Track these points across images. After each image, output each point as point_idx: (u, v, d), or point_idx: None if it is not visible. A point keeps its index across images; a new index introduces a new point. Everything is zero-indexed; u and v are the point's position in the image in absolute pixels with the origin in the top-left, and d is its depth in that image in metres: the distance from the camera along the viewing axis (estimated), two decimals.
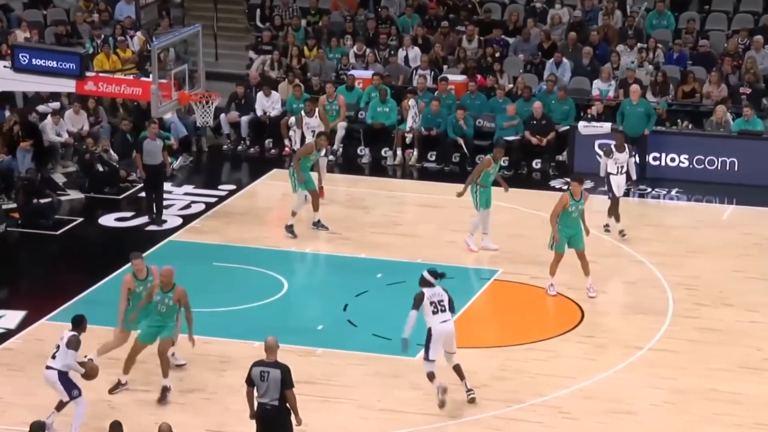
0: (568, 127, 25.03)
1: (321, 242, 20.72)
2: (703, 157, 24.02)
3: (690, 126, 25.07)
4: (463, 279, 19.50)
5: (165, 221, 21.69)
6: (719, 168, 24.04)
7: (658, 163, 24.39)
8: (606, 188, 21.17)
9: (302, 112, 23.14)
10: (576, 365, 16.62)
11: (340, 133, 25.55)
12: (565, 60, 26.70)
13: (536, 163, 24.90)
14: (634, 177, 21.50)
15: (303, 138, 22.85)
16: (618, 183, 20.97)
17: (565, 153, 24.99)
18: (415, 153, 25.11)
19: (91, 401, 15.44)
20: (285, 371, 13.57)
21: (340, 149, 25.55)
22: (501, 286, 19.14)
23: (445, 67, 27.19)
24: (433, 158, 25.00)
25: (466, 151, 24.87)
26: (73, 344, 14.80)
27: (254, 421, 13.74)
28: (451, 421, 15.25)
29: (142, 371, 16.35)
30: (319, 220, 21.08)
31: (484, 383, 16.14)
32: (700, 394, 15.84)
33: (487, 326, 18.08)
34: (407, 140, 25.28)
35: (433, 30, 28.20)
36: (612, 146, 21.27)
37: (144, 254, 18.30)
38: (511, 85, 26.23)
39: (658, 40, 27.08)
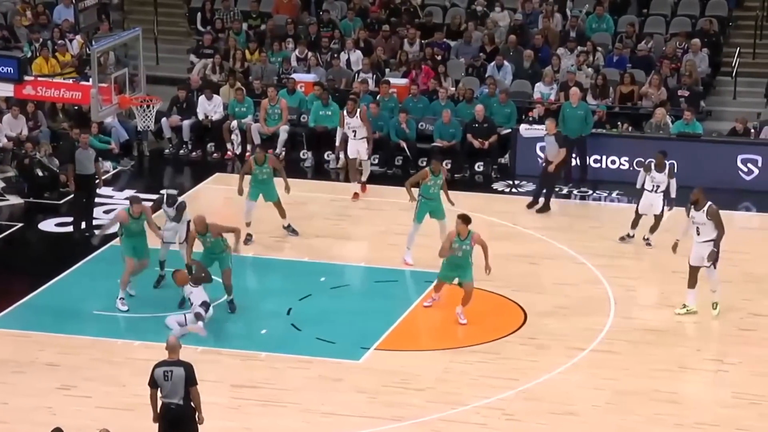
0: (509, 130, 25.15)
1: (263, 246, 20.66)
2: (643, 159, 24.19)
3: (630, 128, 25.27)
4: (406, 282, 19.52)
5: (92, 233, 21.22)
6: None
7: (599, 165, 24.56)
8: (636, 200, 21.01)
9: (344, 111, 23.21)
10: (519, 367, 16.69)
11: (283, 136, 25.50)
12: (506, 63, 26.83)
13: (478, 166, 24.99)
14: (672, 195, 20.82)
15: (345, 138, 23.27)
16: (651, 201, 20.70)
17: (507, 156, 25.10)
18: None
19: (31, 408, 15.32)
20: (188, 368, 13.54)
21: (283, 153, 25.50)
22: (444, 289, 19.15)
23: (387, 70, 27.23)
24: (376, 161, 25.02)
25: (408, 154, 24.92)
26: None
27: (158, 424, 13.63)
28: (394, 424, 15.25)
29: (82, 378, 16.25)
30: (289, 225, 21.00)
31: (428, 386, 16.16)
32: (642, 395, 15.96)
33: (430, 329, 18.11)
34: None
35: (375, 33, 28.23)
36: (652, 164, 20.79)
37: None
38: (453, 89, 26.32)
39: (598, 43, 27.29)
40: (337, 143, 24.14)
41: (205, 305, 17.38)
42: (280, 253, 20.41)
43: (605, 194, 23.56)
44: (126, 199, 21.82)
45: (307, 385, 16.21)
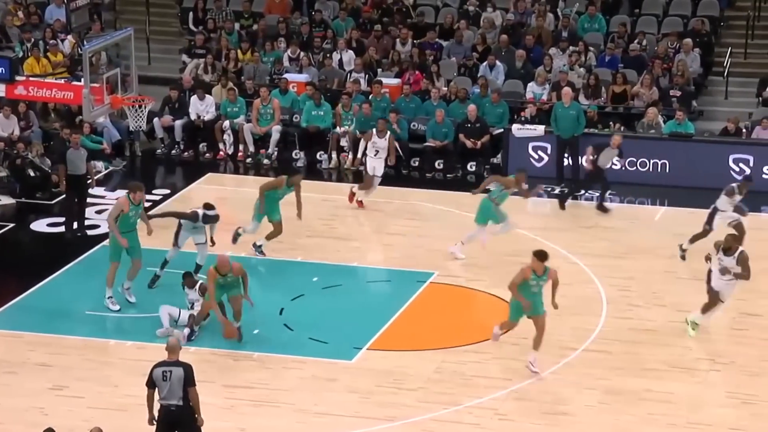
0: (502, 129, 25.15)
1: (246, 246, 20.61)
2: (635, 159, 24.24)
3: (622, 128, 25.28)
4: (399, 282, 19.52)
5: (84, 233, 21.24)
6: (651, 170, 24.28)
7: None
8: (707, 220, 20.01)
9: (373, 131, 22.69)
10: (511, 367, 16.68)
11: (275, 136, 25.48)
12: (498, 63, 26.83)
13: (471, 166, 24.99)
14: (744, 216, 20.08)
15: (363, 155, 22.73)
16: (723, 218, 19.94)
17: (499, 156, 25.11)
18: (351, 156, 25.09)
19: (23, 409, 15.30)
20: (188, 369, 13.51)
21: (275, 153, 25.48)
22: (436, 288, 19.17)
23: (379, 70, 27.22)
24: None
25: (401, 154, 24.91)
26: None
27: (155, 426, 13.60)
28: (387, 424, 15.25)
29: (74, 378, 16.22)
30: (261, 246, 20.39)
31: (420, 386, 16.16)
32: (634, 395, 15.96)
33: (422, 329, 18.09)
34: (342, 143, 25.30)
35: (367, 33, 28.22)
36: (736, 187, 20.00)
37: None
38: (446, 89, 26.31)
39: (590, 43, 27.30)
40: (359, 154, 23.53)
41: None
42: (272, 254, 20.37)
43: (598, 194, 23.56)
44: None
45: (300, 385, 16.20)
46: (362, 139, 23.25)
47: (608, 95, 25.95)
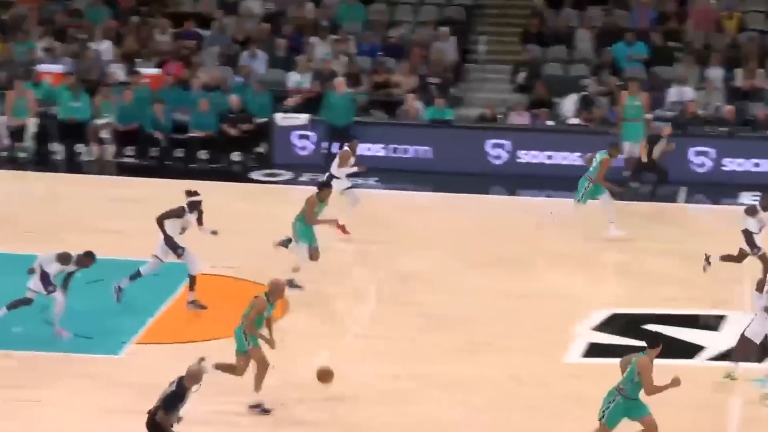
0: (266, 119, 25.12)
1: (19, 242, 19.97)
2: (398, 146, 24.60)
3: (384, 116, 25.62)
4: (166, 274, 19.22)
5: None
6: (414, 156, 24.70)
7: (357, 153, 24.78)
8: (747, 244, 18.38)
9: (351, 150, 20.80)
10: (281, 356, 16.61)
11: (31, 129, 24.78)
12: (259, 52, 26.77)
13: (236, 156, 24.87)
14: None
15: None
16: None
17: (264, 145, 25.07)
18: (112, 148, 24.62)
19: None
20: (172, 390, 12.74)
21: (33, 145, 24.78)
22: (204, 279, 18.97)
23: (138, 60, 26.76)
24: (131, 153, 24.57)
25: (164, 145, 24.60)
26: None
27: None
28: None
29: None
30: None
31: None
32: (423, 379, 16.08)
33: (191, 321, 17.87)
34: (103, 135, 24.81)
35: (124, 23, 27.70)
36: (758, 205, 18.44)
37: None
38: (207, 78, 26.09)
39: (350, 31, 27.54)
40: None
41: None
42: (28, 248, 19.72)
43: (362, 181, 23.79)
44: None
45: (67, 383, 15.77)
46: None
47: (369, 83, 26.24)
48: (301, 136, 24.89)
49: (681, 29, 27.27)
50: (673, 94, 25.52)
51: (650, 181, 23.29)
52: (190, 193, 18.04)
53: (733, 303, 18.10)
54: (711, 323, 17.37)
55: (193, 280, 17.74)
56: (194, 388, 12.58)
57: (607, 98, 25.56)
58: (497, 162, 24.75)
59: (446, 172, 24.08)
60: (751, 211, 18.28)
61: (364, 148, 24.76)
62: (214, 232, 17.70)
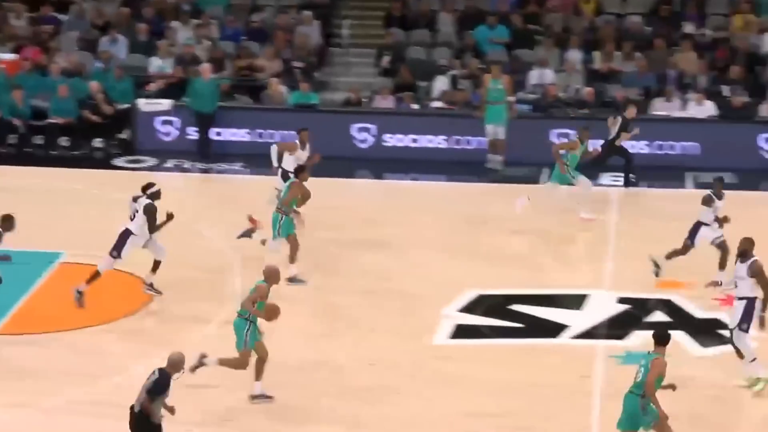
0: (128, 104, 24.77)
1: None
2: (263, 131, 24.49)
3: (249, 100, 25.48)
4: (26, 263, 18.84)
5: None
6: (280, 141, 24.54)
7: (220, 138, 24.66)
8: (689, 235, 17.88)
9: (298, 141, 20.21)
10: (153, 342, 16.46)
11: None
12: (120, 36, 26.37)
13: (97, 142, 24.49)
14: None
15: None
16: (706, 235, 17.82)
17: (127, 131, 24.73)
18: None
19: None
20: (158, 377, 12.44)
21: None
22: (68, 268, 18.67)
23: None
24: None
25: (23, 131, 24.11)
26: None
27: None
28: (19, 409, 14.70)
29: None
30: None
31: (56, 368, 15.66)
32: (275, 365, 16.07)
33: (55, 310, 17.55)
34: None
35: None
36: (712, 194, 17.82)
37: None
38: (66, 63, 25.62)
39: (212, 15, 27.29)
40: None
41: None
42: None
43: (227, 166, 23.68)
44: None
45: None
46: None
47: (233, 68, 26.05)
48: (165, 122, 24.62)
49: (540, 12, 27.62)
50: (534, 76, 25.86)
51: (620, 165, 23.13)
52: (146, 187, 17.46)
53: (595, 282, 18.44)
54: (574, 302, 17.66)
55: (157, 264, 17.42)
56: (176, 376, 12.54)
57: (470, 81, 25.77)
58: (363, 146, 24.81)
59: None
60: (706, 200, 17.71)
61: (229, 133, 24.66)
62: (170, 216, 17.29)
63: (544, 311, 17.40)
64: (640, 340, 16.14)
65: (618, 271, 18.83)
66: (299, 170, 18.61)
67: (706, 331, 16.60)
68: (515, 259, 19.36)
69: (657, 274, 17.98)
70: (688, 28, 26.92)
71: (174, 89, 24.95)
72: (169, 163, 23.86)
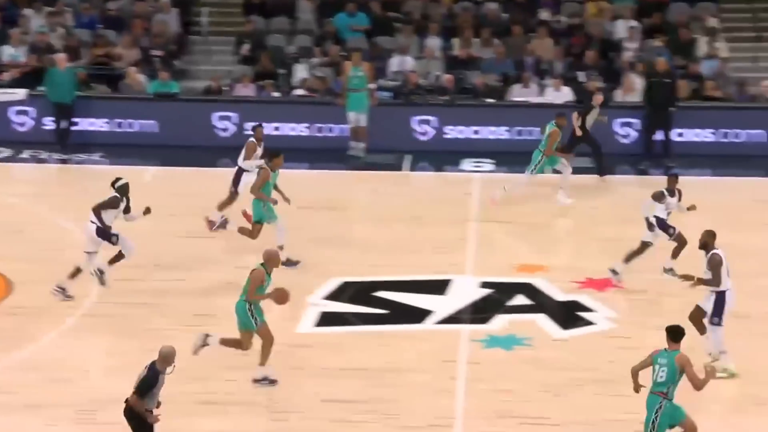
0: None
1: None
2: (122, 120, 24.17)
3: (107, 90, 25.12)
4: None
5: None
6: (139, 130, 24.32)
7: (78, 128, 24.31)
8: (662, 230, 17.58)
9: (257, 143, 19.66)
10: (8, 336, 16.16)
11: None
12: None
13: None
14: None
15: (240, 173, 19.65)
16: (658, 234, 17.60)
17: None
18: None
19: None
20: (146, 373, 12.11)
21: None
22: None
23: None
24: None
25: None
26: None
27: None
28: None
29: None
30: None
31: None
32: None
33: None
34: None
35: None
36: (664, 190, 17.58)
37: None
38: None
39: (66, 3, 26.82)
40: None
41: None
42: None
43: (86, 156, 23.31)
44: None
45: None
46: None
47: (90, 57, 25.64)
48: (19, 112, 24.13)
49: None
50: (395, 63, 25.99)
51: (587, 153, 22.93)
52: (115, 181, 17.16)
53: (458, 267, 18.63)
54: (437, 288, 17.82)
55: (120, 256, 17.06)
56: (168, 370, 12.22)
57: (331, 69, 25.78)
58: (224, 134, 24.65)
59: (173, 146, 23.81)
60: (658, 196, 17.49)
61: (87, 123, 24.28)
62: (147, 210, 17.03)
63: (408, 297, 17.51)
64: (503, 323, 16.40)
65: (480, 256, 19.06)
66: (273, 155, 18.31)
67: (566, 313, 16.91)
68: (379, 245, 19.46)
69: (673, 275, 16.79)
70: (544, 14, 27.34)
71: (28, 78, 24.45)
72: (25, 154, 23.42)
